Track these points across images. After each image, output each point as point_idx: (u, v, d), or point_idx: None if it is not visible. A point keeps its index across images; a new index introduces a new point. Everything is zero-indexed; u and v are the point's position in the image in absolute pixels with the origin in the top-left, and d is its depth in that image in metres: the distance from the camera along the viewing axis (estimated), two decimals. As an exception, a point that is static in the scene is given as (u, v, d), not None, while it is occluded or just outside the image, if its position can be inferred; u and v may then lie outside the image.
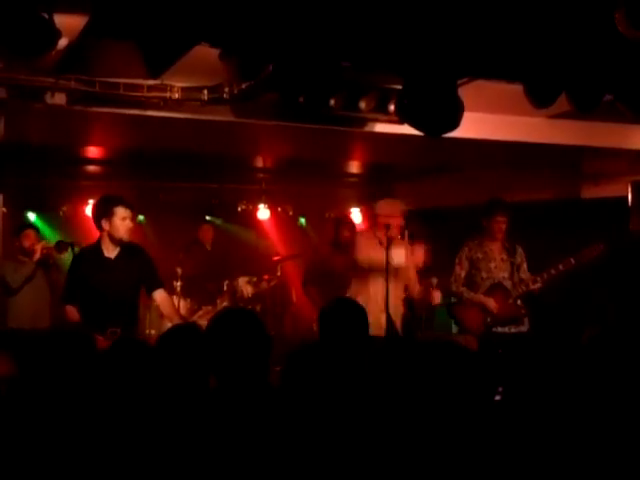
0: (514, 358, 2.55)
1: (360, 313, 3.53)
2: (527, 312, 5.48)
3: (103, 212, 4.89)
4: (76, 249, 5.07)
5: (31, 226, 6.32)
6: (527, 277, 5.52)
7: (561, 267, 5.41)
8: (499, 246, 5.57)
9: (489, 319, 5.47)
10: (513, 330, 5.44)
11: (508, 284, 5.50)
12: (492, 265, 5.53)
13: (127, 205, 4.84)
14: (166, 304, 5.04)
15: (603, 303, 6.29)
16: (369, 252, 5.23)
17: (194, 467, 2.29)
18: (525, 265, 5.58)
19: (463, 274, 5.59)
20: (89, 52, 3.86)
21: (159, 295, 4.98)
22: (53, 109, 4.27)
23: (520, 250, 5.59)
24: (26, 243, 5.89)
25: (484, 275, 5.53)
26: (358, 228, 6.43)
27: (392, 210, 5.25)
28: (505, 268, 5.52)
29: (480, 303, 5.48)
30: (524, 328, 5.44)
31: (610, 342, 2.52)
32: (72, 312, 4.80)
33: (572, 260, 5.39)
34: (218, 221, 8.46)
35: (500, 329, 5.44)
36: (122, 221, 4.81)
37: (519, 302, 5.50)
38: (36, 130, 5.23)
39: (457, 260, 5.63)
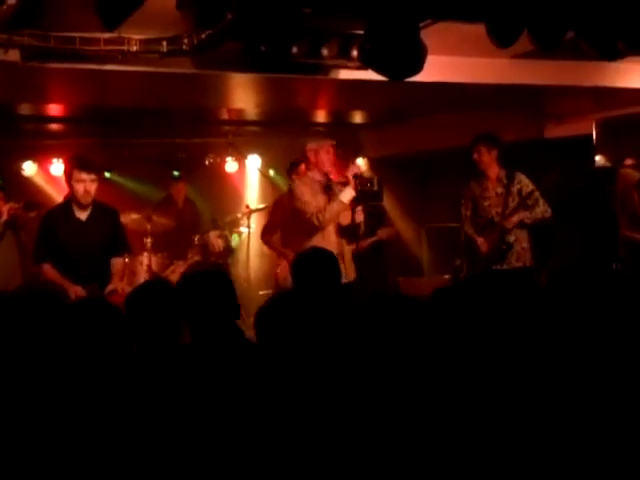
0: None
1: (332, 261, 3.58)
2: (507, 248, 5.44)
3: (65, 174, 4.98)
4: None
5: (-3, 187, 6.24)
6: (534, 200, 5.42)
7: (516, 190, 5.44)
8: (494, 181, 5.55)
9: (481, 257, 5.48)
10: (505, 267, 5.43)
11: (499, 220, 5.48)
12: (486, 204, 5.54)
13: (83, 167, 4.82)
14: (117, 268, 5.07)
15: (567, 240, 6.39)
16: (310, 200, 4.94)
17: (169, 423, 2.31)
18: (529, 189, 5.45)
19: (468, 213, 5.62)
20: (42, 6, 3.76)
21: (117, 260, 5.07)
22: (7, 66, 4.16)
23: (520, 177, 5.50)
24: (-8, 204, 5.82)
25: (482, 214, 5.56)
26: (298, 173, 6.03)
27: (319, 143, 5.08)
28: (499, 203, 5.49)
29: (475, 242, 5.52)
30: (506, 267, 5.44)
31: (570, 280, 2.56)
32: (49, 270, 4.83)
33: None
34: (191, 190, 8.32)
35: (494, 267, 5.42)
36: (78, 183, 4.82)
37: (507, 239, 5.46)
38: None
39: (462, 201, 5.66)
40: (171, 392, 2.42)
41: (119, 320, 2.64)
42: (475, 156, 5.52)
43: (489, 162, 5.52)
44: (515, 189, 5.48)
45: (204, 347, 2.73)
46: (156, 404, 2.38)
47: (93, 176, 4.86)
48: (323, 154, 5.06)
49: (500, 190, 5.52)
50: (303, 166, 5.60)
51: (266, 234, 6.50)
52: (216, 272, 3.10)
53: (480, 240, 5.49)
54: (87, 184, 4.83)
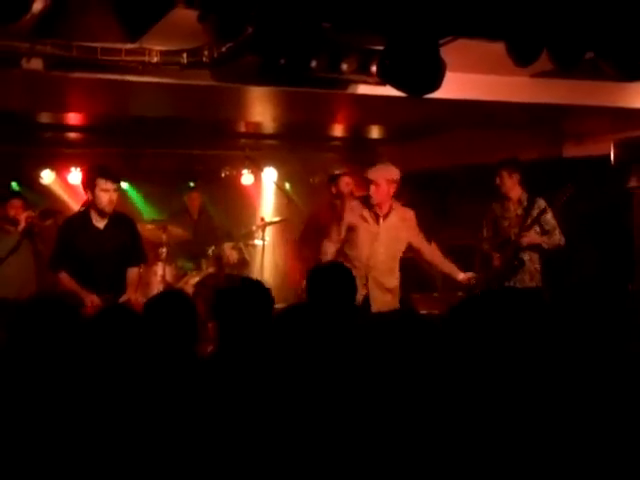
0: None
1: (348, 276, 3.56)
2: (519, 264, 5.55)
3: (87, 183, 5.00)
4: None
5: (17, 195, 6.29)
6: (551, 226, 5.55)
7: (535, 214, 5.53)
8: (515, 203, 5.68)
9: (494, 272, 5.58)
10: (517, 285, 5.53)
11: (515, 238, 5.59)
12: (506, 224, 5.69)
13: (109, 177, 4.90)
14: (132, 277, 5.08)
15: (585, 258, 6.38)
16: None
17: (179, 434, 2.31)
18: (545, 216, 5.54)
19: (488, 234, 5.77)
20: (65, 16, 3.80)
21: (133, 270, 5.09)
22: (30, 75, 4.20)
23: (540, 202, 5.60)
24: (11, 212, 5.86)
25: (501, 234, 5.70)
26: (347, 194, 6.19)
27: (387, 174, 5.12)
28: (517, 224, 5.61)
29: (490, 257, 5.65)
30: (519, 285, 5.54)
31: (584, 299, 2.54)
32: (66, 278, 4.86)
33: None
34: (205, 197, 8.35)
35: (507, 284, 5.53)
36: (103, 192, 4.89)
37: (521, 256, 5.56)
38: (13, 97, 5.16)
39: (483, 222, 5.83)
40: (183, 402, 2.42)
41: (140, 328, 2.65)
42: (497, 181, 5.70)
43: (511, 186, 5.68)
44: (535, 213, 5.59)
45: (224, 357, 2.72)
46: (169, 414, 2.37)
47: (116, 185, 4.96)
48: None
49: (520, 212, 5.66)
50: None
51: (301, 243, 6.55)
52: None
53: (495, 255, 5.65)
54: (111, 193, 4.90)
